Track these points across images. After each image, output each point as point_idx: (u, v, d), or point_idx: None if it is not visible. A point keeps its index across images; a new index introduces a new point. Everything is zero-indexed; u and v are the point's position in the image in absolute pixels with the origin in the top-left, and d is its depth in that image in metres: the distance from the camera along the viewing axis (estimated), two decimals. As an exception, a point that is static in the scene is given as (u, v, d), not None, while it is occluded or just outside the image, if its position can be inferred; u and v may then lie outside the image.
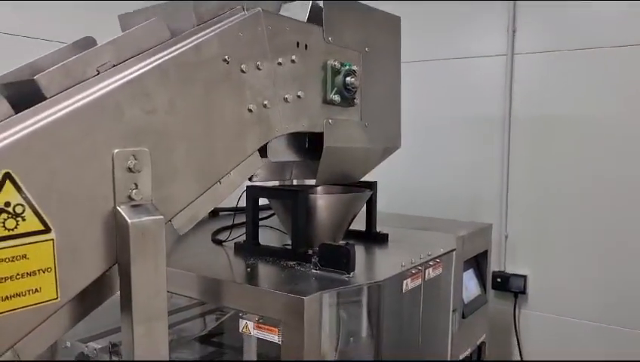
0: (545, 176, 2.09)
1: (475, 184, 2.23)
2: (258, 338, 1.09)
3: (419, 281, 1.28)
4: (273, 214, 1.69)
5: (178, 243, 1.48)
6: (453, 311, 1.55)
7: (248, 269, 1.21)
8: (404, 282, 1.21)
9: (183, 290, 1.15)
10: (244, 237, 1.35)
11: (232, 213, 1.61)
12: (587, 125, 2.00)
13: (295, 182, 1.57)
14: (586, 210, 2.02)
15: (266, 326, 1.03)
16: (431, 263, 1.34)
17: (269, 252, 1.29)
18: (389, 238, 1.51)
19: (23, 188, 0.68)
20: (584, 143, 2.02)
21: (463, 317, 1.62)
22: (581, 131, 2.02)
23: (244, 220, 1.35)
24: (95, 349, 1.43)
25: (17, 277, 0.69)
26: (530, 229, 2.14)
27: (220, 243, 1.43)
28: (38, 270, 0.71)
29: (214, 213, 1.87)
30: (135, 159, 0.80)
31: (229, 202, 1.41)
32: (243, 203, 1.37)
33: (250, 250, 1.31)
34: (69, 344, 1.49)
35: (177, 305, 1.59)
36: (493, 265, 2.11)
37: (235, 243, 1.37)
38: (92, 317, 0.84)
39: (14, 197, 0.68)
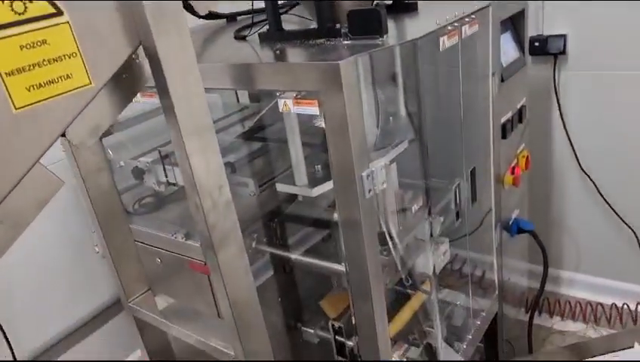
0: None
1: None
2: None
3: (455, 39, 1.21)
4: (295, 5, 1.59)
5: (199, 46, 1.43)
6: (492, 74, 1.51)
7: (277, 52, 1.17)
8: (441, 40, 1.15)
9: (214, 83, 1.13)
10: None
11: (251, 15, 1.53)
12: None
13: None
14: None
15: (305, 101, 1.02)
16: (467, 20, 1.26)
17: (295, 35, 1.23)
18: (418, 7, 1.42)
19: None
20: None
21: (502, 80, 1.58)
22: None
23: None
24: (147, 162, 1.49)
25: (44, 63, 0.68)
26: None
27: (243, 38, 1.38)
28: (63, 55, 0.69)
29: (233, 18, 1.78)
30: None
31: None
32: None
33: (276, 36, 1.26)
34: (122, 163, 1.56)
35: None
36: (531, 30, 1.99)
37: (259, 34, 1.31)
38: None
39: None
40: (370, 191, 1.00)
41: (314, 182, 1.25)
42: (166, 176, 1.46)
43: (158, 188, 1.51)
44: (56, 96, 0.69)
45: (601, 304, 2.24)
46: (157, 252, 1.48)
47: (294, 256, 1.44)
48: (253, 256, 1.43)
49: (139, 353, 2.27)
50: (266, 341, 0.92)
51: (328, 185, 1.21)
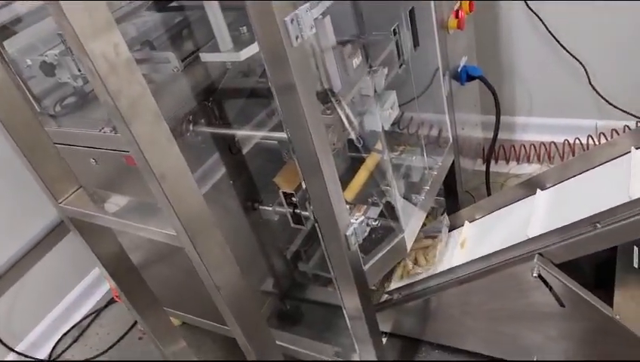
0: None
1: None
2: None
3: None
4: None
5: None
6: None
7: None
8: None
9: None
10: None
11: None
12: None
13: None
14: None
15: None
16: None
17: None
18: None
19: None
20: None
21: None
22: None
23: None
24: (55, 54, 1.33)
25: None
26: None
27: None
28: None
29: None
30: None
31: None
32: None
33: None
34: (29, 61, 1.40)
35: None
36: None
37: None
38: None
39: None
40: (297, 38, 0.90)
41: (240, 45, 1.13)
42: (79, 70, 1.32)
43: (75, 84, 1.38)
44: None
45: (554, 142, 2.27)
46: (89, 152, 1.38)
47: (237, 132, 1.36)
48: (193, 139, 1.34)
49: (97, 271, 2.26)
50: (208, 217, 0.86)
51: (256, 47, 1.10)
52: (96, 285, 2.31)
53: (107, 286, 2.30)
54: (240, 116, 1.40)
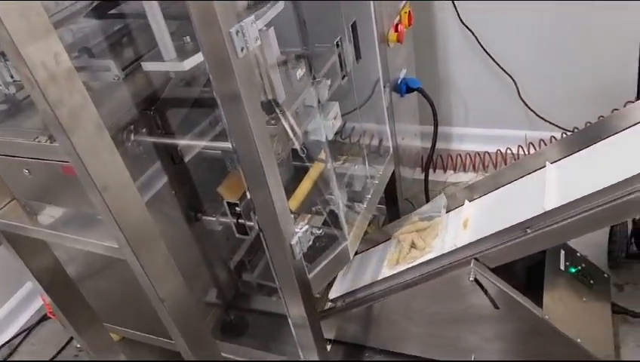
0: None
1: None
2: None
3: None
4: None
5: None
6: None
7: None
8: None
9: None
10: None
11: None
12: None
13: None
14: None
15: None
16: None
17: None
18: None
19: None
20: None
21: None
22: None
23: None
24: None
25: None
26: None
27: None
28: None
29: None
30: None
31: None
32: None
33: None
34: (-45, 67, 1.32)
35: None
36: None
37: None
38: None
39: None
40: (242, 49, 0.90)
41: (184, 54, 1.12)
42: (12, 77, 1.26)
43: (7, 91, 1.31)
44: None
45: (488, 152, 2.38)
46: (22, 162, 1.32)
47: (180, 142, 1.34)
48: (134, 149, 1.31)
49: (29, 286, 2.15)
50: (151, 229, 0.85)
51: (200, 57, 1.10)
52: (28, 301, 2.20)
53: (40, 302, 2.19)
54: (183, 125, 1.38)
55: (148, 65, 1.15)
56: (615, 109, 1.58)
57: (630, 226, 1.79)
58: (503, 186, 1.59)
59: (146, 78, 1.27)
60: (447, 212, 1.67)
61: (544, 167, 1.49)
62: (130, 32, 1.32)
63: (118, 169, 0.77)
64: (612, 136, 1.42)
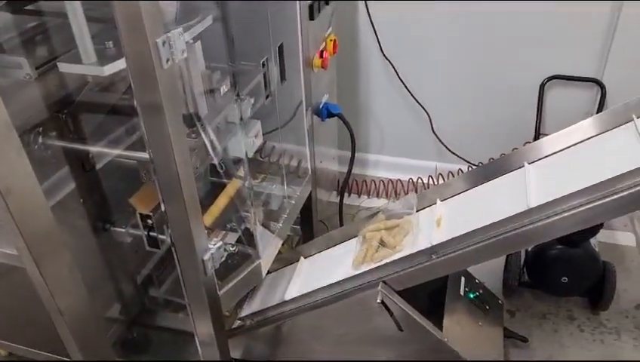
0: None
1: None
2: None
3: None
4: None
5: None
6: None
7: None
8: None
9: None
10: None
11: None
12: None
13: None
14: None
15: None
16: None
17: None
18: None
19: None
20: None
21: (308, -44, 1.53)
22: None
23: None
24: None
25: None
26: None
27: None
28: None
29: None
30: None
31: None
32: None
33: None
34: None
35: None
36: None
37: None
38: None
39: None
40: (168, 60, 0.90)
41: (104, 59, 1.09)
42: None
43: None
44: None
45: (400, 180, 2.49)
46: None
47: (91, 148, 1.29)
48: (41, 152, 1.25)
49: None
50: (56, 237, 0.81)
51: (122, 63, 1.07)
52: None
53: None
54: (97, 132, 1.33)
55: (64, 67, 1.10)
56: (515, 148, 1.72)
57: (523, 256, 1.94)
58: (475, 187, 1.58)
59: (60, 79, 1.22)
60: (417, 211, 1.60)
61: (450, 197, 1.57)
62: (47, 30, 1.26)
63: (24, 172, 0.73)
64: (502, 176, 1.50)
